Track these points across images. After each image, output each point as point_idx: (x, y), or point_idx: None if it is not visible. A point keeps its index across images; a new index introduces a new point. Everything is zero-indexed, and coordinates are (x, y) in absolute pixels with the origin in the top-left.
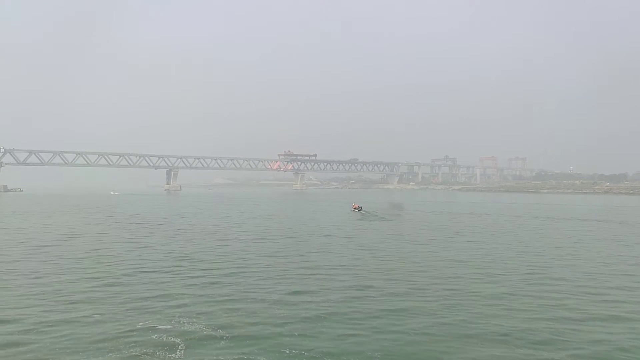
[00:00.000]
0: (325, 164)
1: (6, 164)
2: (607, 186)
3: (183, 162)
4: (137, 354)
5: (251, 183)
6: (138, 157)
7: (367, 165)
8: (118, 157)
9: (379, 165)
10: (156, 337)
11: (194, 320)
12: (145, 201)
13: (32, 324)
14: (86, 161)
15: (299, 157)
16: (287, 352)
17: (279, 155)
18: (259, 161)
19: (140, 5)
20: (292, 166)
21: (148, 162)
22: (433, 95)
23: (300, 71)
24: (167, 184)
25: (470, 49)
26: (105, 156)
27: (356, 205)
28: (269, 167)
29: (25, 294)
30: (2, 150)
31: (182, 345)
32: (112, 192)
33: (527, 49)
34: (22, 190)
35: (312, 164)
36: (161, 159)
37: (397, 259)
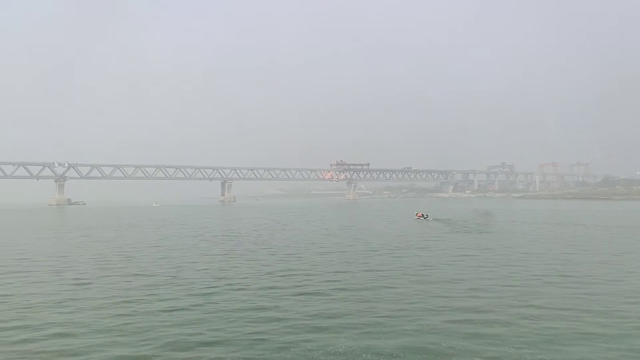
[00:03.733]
0: (378, 173)
1: (70, 178)
2: None
3: (237, 173)
4: None
5: (302, 193)
6: (193, 170)
7: (421, 173)
8: (174, 169)
9: (432, 174)
10: None
11: None
12: (210, 213)
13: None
14: (144, 174)
15: (351, 167)
16: None
17: (331, 165)
18: (312, 171)
19: (185, 15)
20: (345, 176)
21: (203, 174)
22: (483, 100)
23: (345, 77)
24: (222, 195)
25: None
26: (163, 169)
27: (420, 214)
28: (322, 177)
29: None
30: (66, 165)
31: None
32: (154, 204)
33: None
34: (85, 204)
35: (365, 173)
36: (216, 170)
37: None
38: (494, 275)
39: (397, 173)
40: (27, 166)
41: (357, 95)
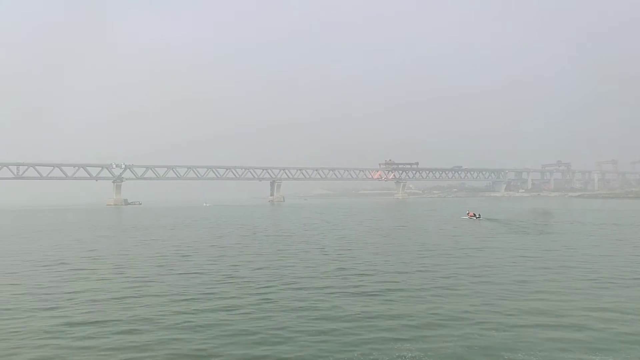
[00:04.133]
0: (427, 172)
1: (126, 178)
2: None
3: (286, 173)
4: None
5: (350, 193)
6: (243, 170)
7: (472, 172)
8: (225, 170)
9: (484, 172)
10: None
11: None
12: (260, 212)
13: None
14: (196, 174)
15: (400, 166)
16: None
17: (379, 164)
18: (360, 171)
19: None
20: (394, 175)
21: (253, 174)
22: (540, 97)
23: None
24: (271, 195)
25: None
26: (214, 169)
27: (471, 214)
28: (370, 176)
29: None
30: (123, 166)
31: None
32: (204, 204)
33: None
34: (140, 204)
35: (414, 172)
36: (265, 170)
37: None
38: (561, 277)
39: (447, 172)
40: (87, 167)
41: (407, 96)
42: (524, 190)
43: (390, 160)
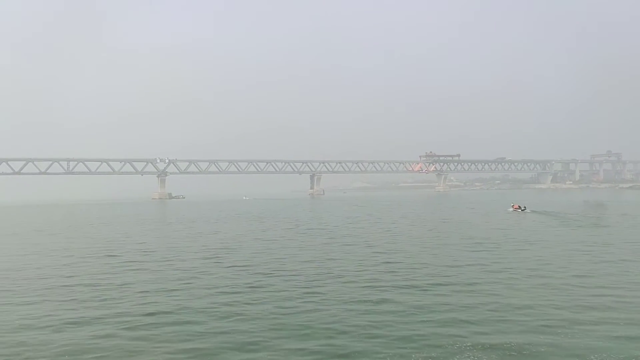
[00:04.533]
0: (470, 164)
1: (170, 173)
2: None
3: (325, 166)
4: None
5: (389, 186)
6: (283, 163)
7: (515, 164)
8: (265, 163)
9: (529, 164)
10: None
11: None
12: (301, 206)
13: None
14: (237, 168)
15: (441, 158)
16: None
17: (420, 156)
18: (400, 163)
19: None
20: (434, 167)
21: (293, 168)
22: None
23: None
24: (311, 188)
25: None
26: (254, 163)
27: (516, 206)
28: (410, 169)
29: None
30: (167, 160)
31: None
32: (244, 197)
33: None
34: (184, 197)
35: (455, 164)
36: (305, 164)
37: None
38: (622, 271)
39: (489, 164)
40: (133, 162)
41: (451, 91)
42: (571, 182)
43: (431, 152)
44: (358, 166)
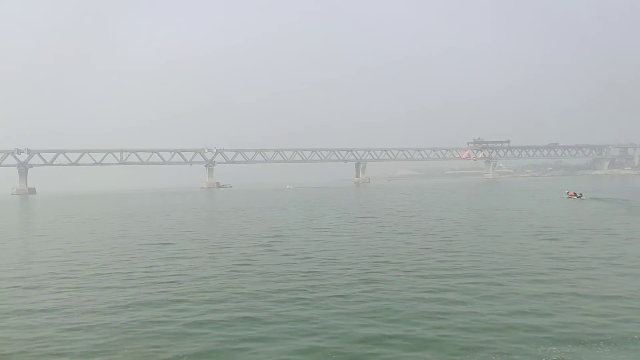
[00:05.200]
0: (520, 150)
1: (218, 162)
2: None
3: (371, 154)
4: None
5: (436, 173)
6: (328, 152)
7: (569, 149)
8: (310, 152)
9: (583, 149)
10: None
11: None
12: (347, 194)
13: None
14: (283, 157)
15: (490, 144)
16: None
17: (468, 143)
18: (447, 150)
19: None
20: (483, 154)
21: (338, 156)
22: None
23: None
24: (356, 176)
25: None
26: (300, 152)
27: (572, 192)
28: (458, 156)
29: None
30: (214, 150)
31: None
32: (287, 186)
33: None
34: (231, 186)
35: (505, 150)
36: (350, 152)
37: None
38: None
39: (541, 150)
40: (182, 152)
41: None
42: (630, 168)
43: (479, 138)
44: (404, 154)
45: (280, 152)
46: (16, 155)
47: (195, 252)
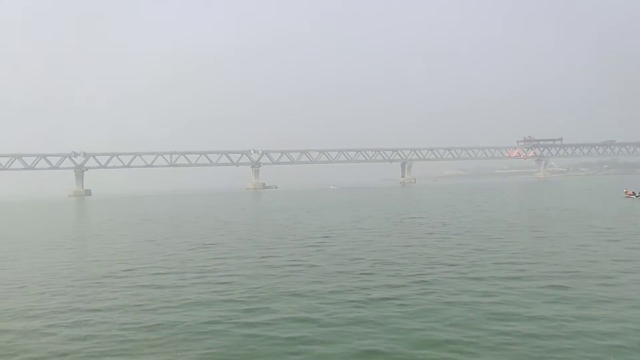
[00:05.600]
0: (574, 148)
1: (263, 164)
2: None
3: (416, 154)
4: None
5: (483, 173)
6: (373, 152)
7: (627, 147)
8: (355, 152)
9: None
10: None
11: None
12: (393, 194)
13: None
14: (328, 158)
15: (541, 142)
16: None
17: (517, 141)
18: (496, 149)
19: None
20: (534, 152)
21: (383, 156)
22: None
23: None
24: (402, 176)
25: None
26: (344, 152)
27: (630, 192)
28: (507, 155)
29: None
30: (260, 151)
31: None
32: (331, 186)
33: None
34: (277, 187)
35: (557, 149)
36: (395, 152)
37: None
38: None
39: (596, 147)
40: (229, 154)
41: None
42: None
43: (529, 136)
44: (450, 153)
45: (325, 153)
46: (73, 158)
47: (245, 253)
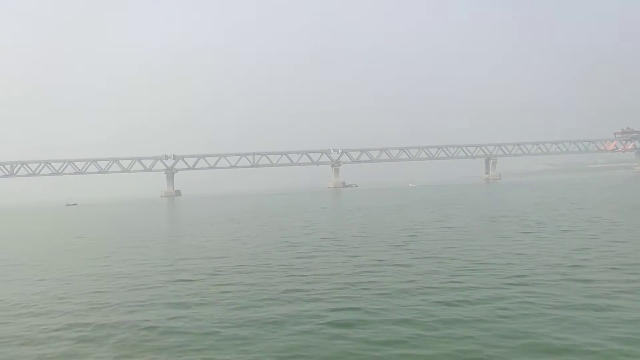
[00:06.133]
0: None
1: (343, 162)
2: None
3: (502, 149)
4: None
5: (574, 168)
6: (456, 148)
7: None
8: (437, 149)
9: None
10: None
11: None
12: (478, 192)
13: None
14: (408, 155)
15: None
16: None
17: (615, 133)
18: (590, 142)
19: None
20: (633, 145)
21: (465, 153)
22: None
23: None
24: (486, 173)
25: None
26: (425, 149)
27: None
28: (602, 148)
29: None
30: (340, 150)
31: None
32: (410, 184)
33: None
34: (357, 186)
35: None
36: (479, 148)
37: None
38: None
39: None
40: (309, 154)
41: None
42: None
43: (628, 128)
44: (539, 147)
45: (405, 150)
46: (164, 161)
47: (330, 252)
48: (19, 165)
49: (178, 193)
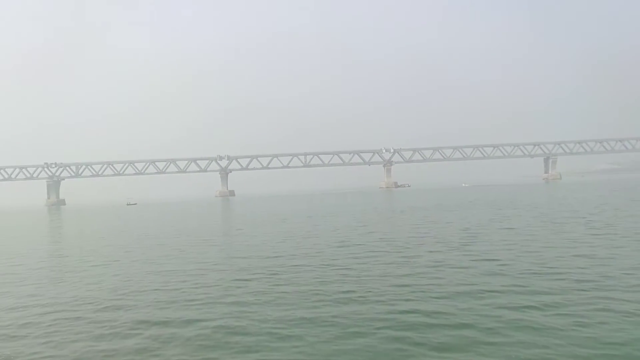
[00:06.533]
0: None
1: (395, 162)
2: None
3: (561, 148)
4: None
5: None
6: (512, 147)
7: None
8: (492, 148)
9: None
10: None
11: None
12: (539, 192)
13: None
14: (462, 155)
15: None
16: None
17: None
18: None
19: None
20: None
21: (522, 151)
22: None
23: None
24: (545, 172)
25: None
26: (480, 148)
27: None
28: None
29: None
30: (392, 150)
31: None
32: (463, 184)
33: None
34: (409, 186)
35: None
36: (537, 146)
37: None
38: None
39: None
40: (360, 153)
41: None
42: None
43: None
44: (603, 145)
45: (459, 150)
46: (218, 161)
47: (385, 252)
48: (83, 167)
49: (232, 193)
